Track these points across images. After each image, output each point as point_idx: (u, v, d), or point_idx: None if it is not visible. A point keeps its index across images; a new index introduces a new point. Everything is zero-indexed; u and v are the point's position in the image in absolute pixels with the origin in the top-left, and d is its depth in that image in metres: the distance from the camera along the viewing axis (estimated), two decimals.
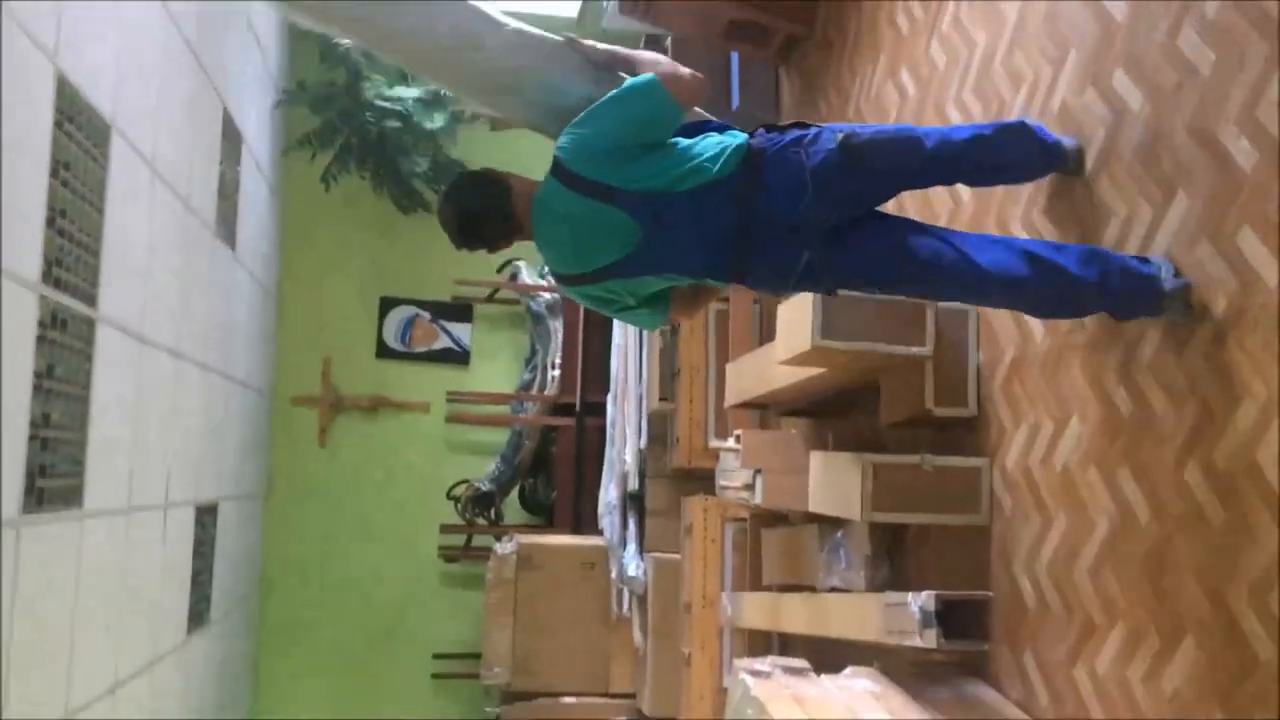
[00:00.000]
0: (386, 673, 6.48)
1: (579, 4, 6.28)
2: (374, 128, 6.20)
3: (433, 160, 6.42)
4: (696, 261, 2.52)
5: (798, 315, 3.09)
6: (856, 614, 3.27)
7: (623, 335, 5.55)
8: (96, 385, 3.16)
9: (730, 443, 4.10)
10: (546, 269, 5.51)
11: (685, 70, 2.49)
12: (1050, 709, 2.76)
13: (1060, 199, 2.84)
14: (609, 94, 2.48)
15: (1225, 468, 2.21)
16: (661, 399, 5.01)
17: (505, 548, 5.60)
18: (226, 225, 4.91)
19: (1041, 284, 2.46)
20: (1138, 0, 2.57)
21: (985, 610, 3.03)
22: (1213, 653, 2.22)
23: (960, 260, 2.46)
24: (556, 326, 6.45)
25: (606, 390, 5.76)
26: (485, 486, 6.45)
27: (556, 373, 6.40)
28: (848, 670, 3.33)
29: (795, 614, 3.76)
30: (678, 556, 4.84)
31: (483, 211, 2.56)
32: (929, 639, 2.83)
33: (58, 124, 2.82)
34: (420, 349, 6.82)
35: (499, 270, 6.67)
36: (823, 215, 2.45)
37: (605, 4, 5.34)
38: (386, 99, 6.17)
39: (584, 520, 6.04)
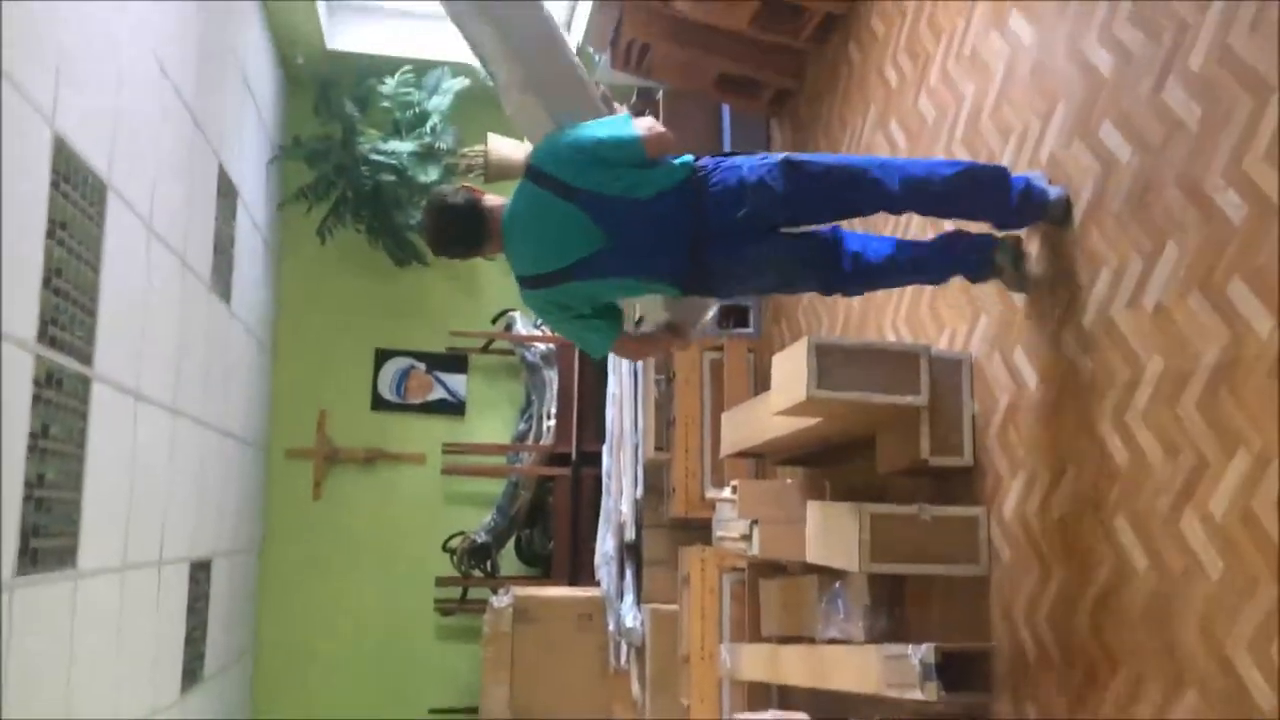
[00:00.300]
0: None
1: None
2: (369, 181, 6.23)
3: None
4: (663, 264, 2.82)
5: (793, 366, 3.10)
6: (856, 666, 3.24)
7: (618, 384, 5.53)
8: (92, 444, 3.16)
9: (726, 493, 4.09)
10: (533, 317, 5.47)
11: (661, 128, 2.85)
12: None
13: (1049, 249, 2.87)
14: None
15: (1222, 519, 2.21)
16: (657, 449, 5.01)
17: (501, 601, 5.56)
18: (222, 280, 4.93)
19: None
20: (1123, 55, 2.62)
21: (986, 661, 3.02)
22: (1214, 704, 2.21)
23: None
24: (552, 376, 6.44)
25: (602, 440, 5.75)
26: (481, 538, 6.40)
27: (552, 423, 6.38)
28: None
29: (794, 666, 3.73)
30: (675, 607, 4.80)
31: (455, 208, 2.91)
32: (930, 692, 2.81)
33: (54, 184, 2.83)
34: (415, 400, 6.81)
35: (494, 321, 6.69)
36: (764, 219, 2.78)
37: (597, 58, 5.39)
38: (381, 153, 6.21)
39: (581, 571, 6.00)
